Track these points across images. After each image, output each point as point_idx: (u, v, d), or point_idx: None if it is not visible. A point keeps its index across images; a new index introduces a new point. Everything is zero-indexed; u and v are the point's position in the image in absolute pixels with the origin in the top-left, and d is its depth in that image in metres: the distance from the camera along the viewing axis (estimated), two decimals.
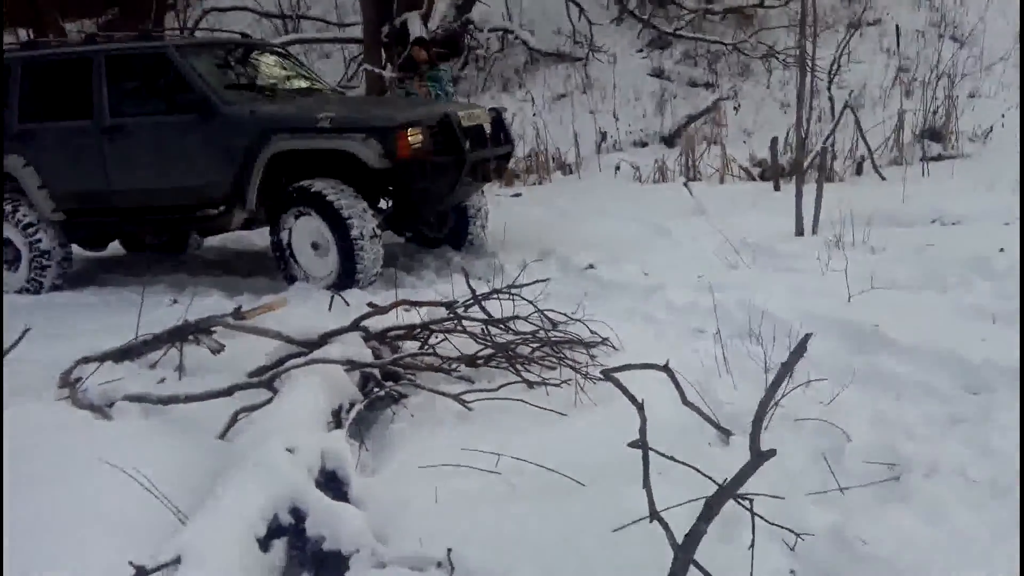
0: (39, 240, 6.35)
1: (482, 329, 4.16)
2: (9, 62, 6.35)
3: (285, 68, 7.09)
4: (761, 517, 2.43)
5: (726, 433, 3.27)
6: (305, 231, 5.80)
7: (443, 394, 3.60)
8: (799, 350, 2.31)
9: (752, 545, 2.38)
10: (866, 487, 2.82)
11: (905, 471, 2.85)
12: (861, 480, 2.87)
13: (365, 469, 3.17)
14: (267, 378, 3.54)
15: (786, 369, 2.30)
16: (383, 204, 6.47)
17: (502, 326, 4.23)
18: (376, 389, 3.70)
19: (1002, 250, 5.11)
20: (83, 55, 6.23)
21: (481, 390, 3.70)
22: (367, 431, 3.54)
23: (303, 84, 6.91)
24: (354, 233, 5.62)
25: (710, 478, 2.32)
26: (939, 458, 2.88)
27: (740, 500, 2.47)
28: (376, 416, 3.66)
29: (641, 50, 12.81)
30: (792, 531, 2.44)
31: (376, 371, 3.77)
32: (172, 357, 4.15)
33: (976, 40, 10.68)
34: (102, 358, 3.95)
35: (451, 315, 4.21)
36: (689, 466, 2.63)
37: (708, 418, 3.27)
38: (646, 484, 2.53)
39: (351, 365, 3.65)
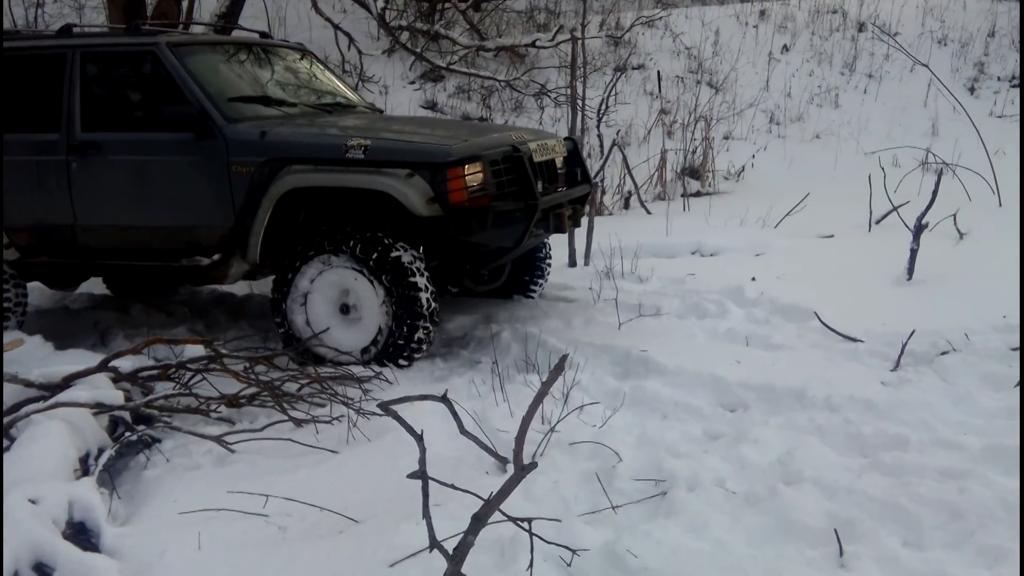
0: None
1: (245, 367, 4.06)
2: None
3: (309, 76, 5.76)
4: (540, 537, 2.54)
5: (503, 461, 3.38)
6: (332, 289, 4.59)
7: (202, 436, 3.50)
8: (558, 368, 2.46)
9: (531, 566, 2.48)
10: (636, 504, 3.03)
11: (671, 486, 3.08)
12: (631, 498, 3.07)
13: (118, 518, 3.05)
14: (3, 425, 3.26)
15: (546, 387, 2.44)
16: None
17: (266, 363, 4.15)
18: (127, 433, 3.57)
19: (754, 279, 5.69)
20: (55, 50, 5.01)
21: (244, 431, 3.63)
22: (118, 478, 3.39)
23: (331, 98, 5.62)
24: (419, 296, 4.44)
25: (484, 500, 2.40)
26: (700, 472, 3.15)
27: (519, 523, 2.58)
28: (128, 462, 3.51)
29: (414, 82, 13.05)
30: (568, 548, 2.57)
31: (127, 414, 3.61)
32: None
33: (729, 87, 11.86)
34: None
35: (210, 353, 4.08)
36: (467, 492, 2.71)
37: (485, 447, 3.36)
38: (426, 514, 2.58)
39: (99, 408, 3.50)
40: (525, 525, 2.56)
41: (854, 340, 4.55)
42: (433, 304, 4.53)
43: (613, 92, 11.05)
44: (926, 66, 10.15)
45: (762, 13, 13.58)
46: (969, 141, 8.92)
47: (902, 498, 2.90)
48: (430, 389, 3.92)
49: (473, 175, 4.37)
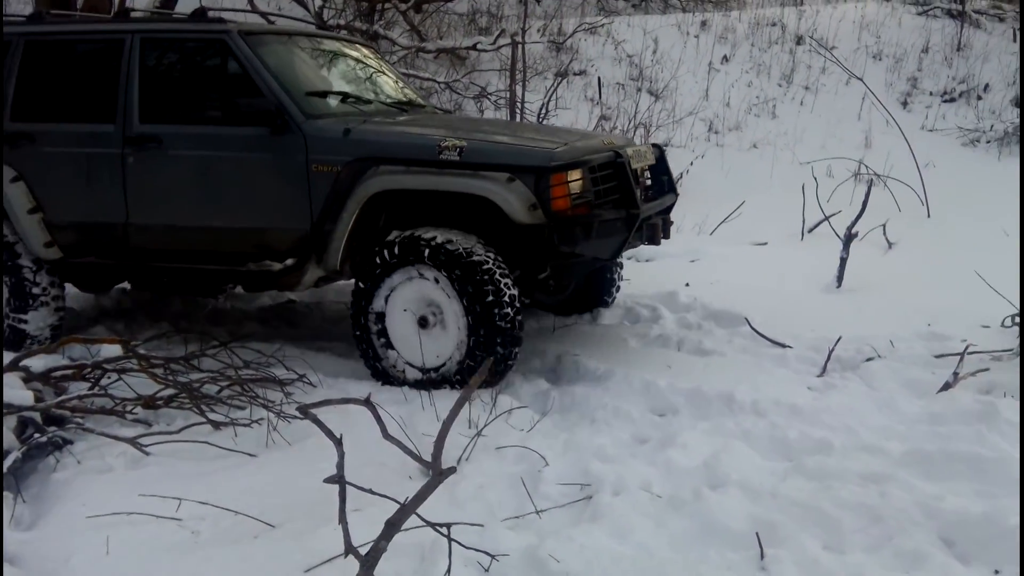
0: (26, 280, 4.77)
1: (163, 367, 3.97)
2: (9, 38, 4.76)
3: (379, 74, 5.37)
4: (457, 542, 2.52)
5: (427, 466, 3.34)
6: (411, 300, 4.23)
7: (115, 438, 3.41)
8: (481, 372, 2.44)
9: (448, 571, 2.45)
10: (560, 508, 3.02)
11: (596, 491, 3.08)
12: (556, 502, 3.06)
13: (22, 523, 2.99)
14: None
15: (468, 391, 2.42)
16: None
17: (185, 364, 4.06)
18: (36, 435, 3.46)
19: (687, 285, 5.76)
20: (110, 35, 4.70)
21: (160, 433, 3.54)
22: (25, 482, 3.28)
23: (403, 96, 5.27)
24: (505, 311, 4.04)
25: (399, 503, 2.36)
26: (626, 477, 3.15)
27: (438, 528, 2.55)
28: (36, 465, 3.40)
29: None
30: (487, 553, 2.54)
31: (37, 415, 3.51)
32: None
33: (669, 95, 12.00)
34: None
35: (127, 353, 3.97)
36: (385, 497, 2.67)
37: (408, 451, 3.32)
38: (342, 519, 2.54)
39: (7, 409, 3.38)
40: (444, 530, 2.53)
41: (783, 346, 4.62)
42: (519, 324, 4.16)
43: (554, 97, 11.09)
44: (861, 80, 10.41)
45: (703, 24, 13.77)
46: (900, 154, 9.15)
47: (824, 502, 2.93)
48: (356, 392, 3.86)
49: (575, 181, 4.09)
